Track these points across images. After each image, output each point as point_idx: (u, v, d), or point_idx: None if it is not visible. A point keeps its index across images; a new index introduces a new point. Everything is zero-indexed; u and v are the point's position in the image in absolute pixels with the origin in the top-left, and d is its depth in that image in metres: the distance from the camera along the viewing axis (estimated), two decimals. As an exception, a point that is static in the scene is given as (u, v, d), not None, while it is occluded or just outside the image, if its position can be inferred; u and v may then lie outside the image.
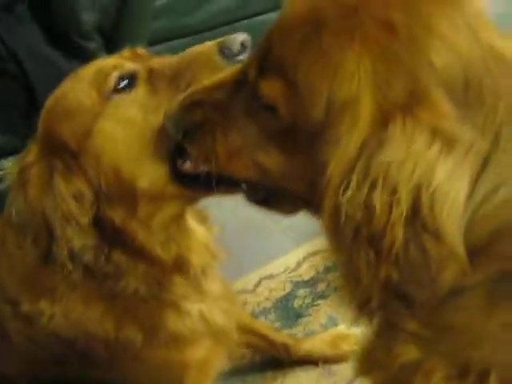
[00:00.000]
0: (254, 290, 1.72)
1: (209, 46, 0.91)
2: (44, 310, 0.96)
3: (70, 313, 0.96)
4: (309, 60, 0.59)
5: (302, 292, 1.69)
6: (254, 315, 1.65)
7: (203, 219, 1.07)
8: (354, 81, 0.56)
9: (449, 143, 0.53)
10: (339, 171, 0.57)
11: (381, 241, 0.56)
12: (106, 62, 0.93)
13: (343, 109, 0.57)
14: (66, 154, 0.87)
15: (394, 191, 0.53)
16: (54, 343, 1.01)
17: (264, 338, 1.40)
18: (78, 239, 0.87)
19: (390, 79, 0.55)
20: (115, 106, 0.87)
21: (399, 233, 0.54)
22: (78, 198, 0.86)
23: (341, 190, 0.57)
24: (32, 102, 1.60)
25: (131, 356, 1.00)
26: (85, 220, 0.87)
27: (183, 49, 0.99)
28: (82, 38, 1.64)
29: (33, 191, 0.86)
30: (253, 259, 1.79)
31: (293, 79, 0.60)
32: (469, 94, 0.55)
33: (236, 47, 0.88)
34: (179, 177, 0.88)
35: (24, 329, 1.00)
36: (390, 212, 0.54)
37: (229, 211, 1.65)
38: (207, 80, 0.76)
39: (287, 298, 1.68)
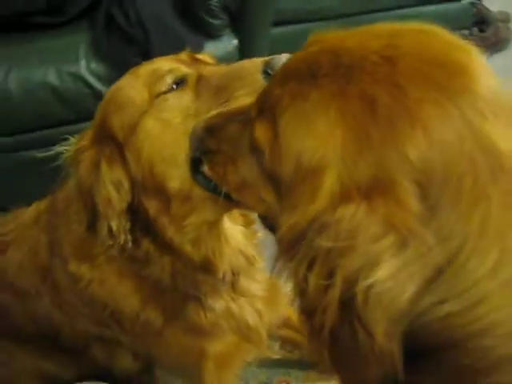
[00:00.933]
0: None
1: (256, 62, 0.91)
2: (84, 274, 1.06)
3: (104, 282, 1.05)
4: (293, 112, 0.57)
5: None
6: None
7: (248, 223, 1.10)
8: (323, 149, 0.53)
9: (403, 241, 0.49)
10: (286, 239, 0.56)
11: (313, 318, 0.55)
12: (162, 63, 0.97)
13: (308, 175, 0.54)
14: (113, 143, 0.93)
15: (330, 275, 0.51)
16: (92, 304, 1.11)
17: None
18: (114, 221, 0.94)
19: (356, 158, 0.51)
20: (159, 107, 0.91)
21: (330, 317, 0.52)
22: (116, 185, 0.93)
23: (286, 256, 0.57)
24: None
25: (153, 333, 1.07)
26: (121, 206, 0.93)
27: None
28: (209, 15, 1.71)
29: (83, 172, 0.94)
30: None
31: (278, 127, 0.59)
32: (444, 194, 0.50)
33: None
34: (202, 181, 0.90)
35: (70, 285, 1.11)
36: (324, 295, 0.52)
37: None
38: (232, 105, 0.77)
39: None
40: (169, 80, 0.92)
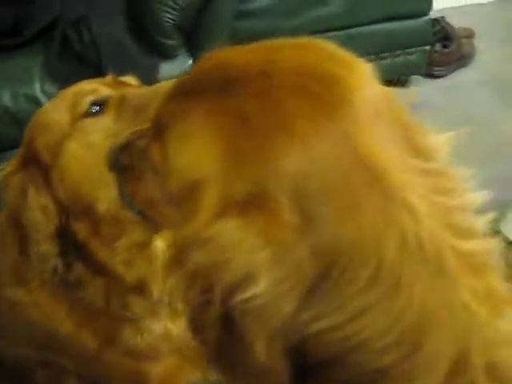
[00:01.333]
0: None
1: (173, 82, 0.92)
2: (20, 298, 1.05)
3: (39, 306, 1.04)
4: (176, 130, 0.57)
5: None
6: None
7: None
8: (201, 166, 0.53)
9: (279, 256, 0.48)
10: (169, 256, 0.56)
11: (200, 334, 0.54)
12: (85, 86, 0.97)
13: (189, 193, 0.54)
14: (39, 166, 0.93)
15: (209, 290, 0.50)
16: (31, 328, 1.10)
17: None
18: (43, 245, 0.94)
19: (233, 174, 0.51)
20: (81, 129, 0.92)
21: (213, 333, 0.52)
22: (43, 209, 0.92)
23: (172, 273, 0.57)
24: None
25: (92, 356, 1.06)
26: (48, 230, 0.93)
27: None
28: (162, 36, 1.71)
29: (11, 196, 0.94)
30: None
31: (166, 145, 0.58)
32: (320, 207, 0.49)
33: None
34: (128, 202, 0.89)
35: (8, 310, 1.10)
36: (205, 311, 0.51)
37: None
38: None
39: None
40: (89, 100, 0.93)
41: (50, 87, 1.74)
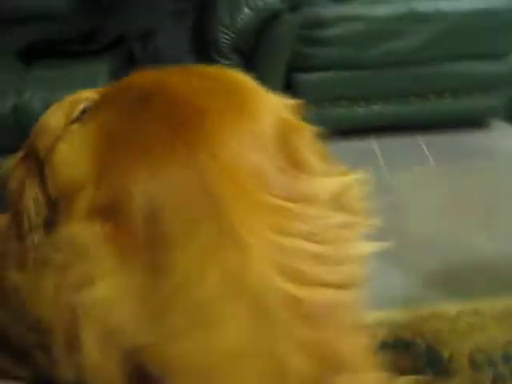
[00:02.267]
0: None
1: None
2: (19, 282, 1.13)
3: (30, 289, 1.11)
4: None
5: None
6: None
7: None
8: (74, 175, 0.58)
9: (120, 265, 0.50)
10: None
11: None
12: (83, 93, 1.02)
13: (66, 193, 0.58)
14: (37, 163, 1.00)
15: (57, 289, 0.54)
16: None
17: None
18: (33, 233, 1.00)
19: (98, 183, 0.54)
20: (70, 132, 0.97)
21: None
22: (35, 201, 0.99)
23: None
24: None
25: None
26: (38, 220, 0.99)
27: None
28: (219, 55, 1.77)
29: (13, 185, 1.02)
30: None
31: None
32: (159, 229, 0.50)
33: None
34: None
35: (12, 291, 1.18)
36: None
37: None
38: None
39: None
40: (81, 107, 0.98)
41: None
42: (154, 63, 1.78)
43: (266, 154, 0.54)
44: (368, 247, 0.54)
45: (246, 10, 1.76)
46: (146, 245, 0.51)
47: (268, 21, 1.75)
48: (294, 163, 0.56)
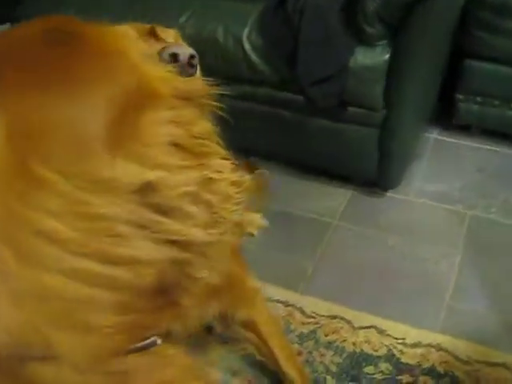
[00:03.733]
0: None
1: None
2: None
3: None
4: None
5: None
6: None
7: None
8: None
9: None
10: None
11: None
12: (120, 27, 1.08)
13: None
14: None
15: None
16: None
17: None
18: None
19: None
20: None
21: None
22: None
23: None
24: (293, 54, 1.82)
25: None
26: None
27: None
28: (364, 22, 1.73)
29: None
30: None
31: None
32: None
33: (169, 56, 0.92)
34: None
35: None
36: None
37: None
38: None
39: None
40: None
41: (254, 36, 1.90)
42: (297, 16, 1.80)
43: None
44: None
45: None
46: None
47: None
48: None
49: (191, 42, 1.97)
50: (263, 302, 1.47)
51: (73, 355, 0.48)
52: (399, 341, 1.63)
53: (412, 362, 1.58)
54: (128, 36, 0.65)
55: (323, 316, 1.71)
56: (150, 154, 0.55)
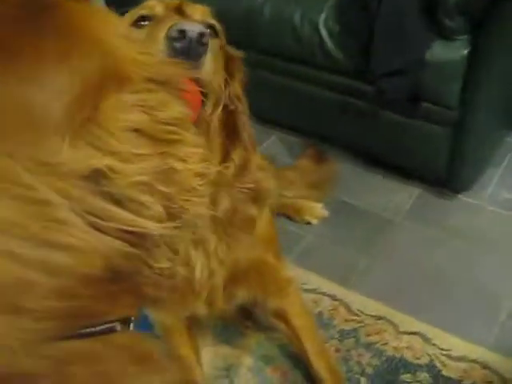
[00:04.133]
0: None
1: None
2: None
3: None
4: None
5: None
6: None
7: None
8: None
9: None
10: None
11: None
12: (150, 1, 1.09)
13: None
14: None
15: None
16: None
17: None
18: None
19: None
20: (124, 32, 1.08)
21: None
22: None
23: None
24: (368, 43, 1.75)
25: None
26: None
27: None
28: (443, 14, 1.63)
29: None
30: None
31: None
32: None
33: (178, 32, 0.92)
34: None
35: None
36: None
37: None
38: None
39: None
40: (139, 14, 1.05)
41: (331, 23, 1.85)
42: (375, 2, 1.73)
43: None
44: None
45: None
46: None
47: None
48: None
49: (268, 23, 1.99)
50: (297, 294, 1.47)
51: (2, 337, 0.49)
52: (444, 352, 1.56)
53: (454, 376, 1.51)
54: (107, 15, 0.63)
55: (368, 315, 1.67)
56: (105, 140, 0.53)
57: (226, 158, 1.16)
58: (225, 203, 1.16)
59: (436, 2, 1.63)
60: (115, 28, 0.63)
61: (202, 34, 0.93)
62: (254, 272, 1.31)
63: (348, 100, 1.98)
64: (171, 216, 0.59)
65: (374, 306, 1.70)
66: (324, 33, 1.86)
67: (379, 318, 1.66)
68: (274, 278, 1.36)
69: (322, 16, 1.86)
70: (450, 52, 1.69)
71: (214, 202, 1.14)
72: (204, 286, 1.21)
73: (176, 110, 0.62)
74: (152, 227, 0.57)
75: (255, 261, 1.30)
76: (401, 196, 2.03)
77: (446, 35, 1.68)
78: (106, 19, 0.63)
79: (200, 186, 0.62)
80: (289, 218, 1.99)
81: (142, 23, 1.04)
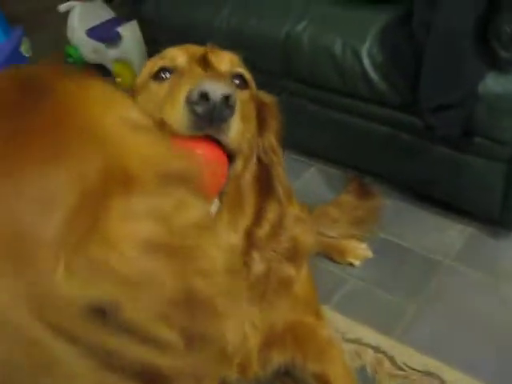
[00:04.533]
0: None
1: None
2: None
3: None
4: None
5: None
6: None
7: None
8: None
9: None
10: None
11: None
12: (171, 51, 1.03)
13: None
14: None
15: None
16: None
17: None
18: None
19: None
20: (145, 88, 1.05)
21: None
22: None
23: None
24: (416, 75, 1.62)
25: None
26: None
27: None
28: (498, 44, 1.49)
29: None
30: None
31: None
32: None
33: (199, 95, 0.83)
34: None
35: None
36: None
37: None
38: None
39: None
40: (159, 66, 0.97)
41: (375, 52, 1.73)
42: (423, 31, 1.60)
43: None
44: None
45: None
46: None
47: None
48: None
49: (307, 51, 1.89)
50: (339, 355, 1.35)
51: None
52: (500, 415, 1.43)
53: None
54: (110, 96, 0.52)
55: (415, 370, 1.53)
56: (109, 261, 0.42)
57: (259, 215, 1.07)
58: (258, 267, 1.05)
59: (490, 31, 1.50)
60: (120, 112, 0.53)
61: (227, 97, 0.82)
62: (291, 335, 1.20)
63: (394, 133, 1.86)
64: (191, 348, 0.48)
65: (421, 360, 1.56)
66: (367, 62, 1.75)
67: (428, 373, 1.52)
68: (314, 339, 1.25)
69: (365, 45, 1.75)
70: (505, 84, 1.55)
71: (246, 265, 1.05)
72: (237, 350, 1.12)
73: (195, 213, 0.51)
74: (167, 363, 0.46)
75: (292, 323, 1.19)
76: (451, 235, 1.89)
77: (501, 67, 1.55)
78: (108, 103, 0.53)
79: (226, 304, 0.51)
80: (329, 258, 1.87)
81: (163, 75, 0.96)
